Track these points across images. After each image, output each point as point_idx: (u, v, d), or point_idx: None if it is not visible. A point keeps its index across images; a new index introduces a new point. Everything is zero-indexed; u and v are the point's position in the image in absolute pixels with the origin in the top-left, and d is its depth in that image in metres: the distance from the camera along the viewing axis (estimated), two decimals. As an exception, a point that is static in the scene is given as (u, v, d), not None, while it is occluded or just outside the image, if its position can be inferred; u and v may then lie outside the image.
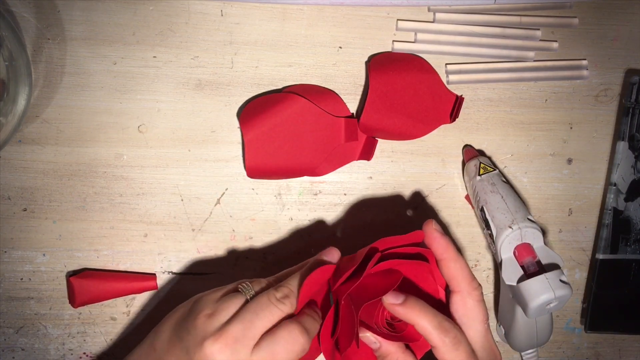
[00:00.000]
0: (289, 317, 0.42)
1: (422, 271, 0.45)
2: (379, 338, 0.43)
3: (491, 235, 0.50)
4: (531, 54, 0.54)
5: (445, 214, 0.55)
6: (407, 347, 0.45)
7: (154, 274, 0.52)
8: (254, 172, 0.51)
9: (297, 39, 0.52)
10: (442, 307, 0.44)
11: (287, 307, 0.42)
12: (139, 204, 0.52)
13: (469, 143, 0.55)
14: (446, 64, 0.53)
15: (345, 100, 0.52)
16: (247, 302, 0.42)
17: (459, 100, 0.52)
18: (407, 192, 0.54)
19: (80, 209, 0.51)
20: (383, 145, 0.54)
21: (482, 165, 0.51)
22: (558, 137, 0.55)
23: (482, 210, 0.50)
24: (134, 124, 0.51)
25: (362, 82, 0.53)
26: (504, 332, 0.53)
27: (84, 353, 0.52)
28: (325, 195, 0.54)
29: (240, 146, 0.52)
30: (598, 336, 0.57)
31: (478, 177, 0.51)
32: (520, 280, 0.47)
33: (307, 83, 0.53)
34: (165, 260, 0.52)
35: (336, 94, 0.52)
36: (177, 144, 0.52)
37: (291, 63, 0.52)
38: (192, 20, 0.51)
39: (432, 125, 0.53)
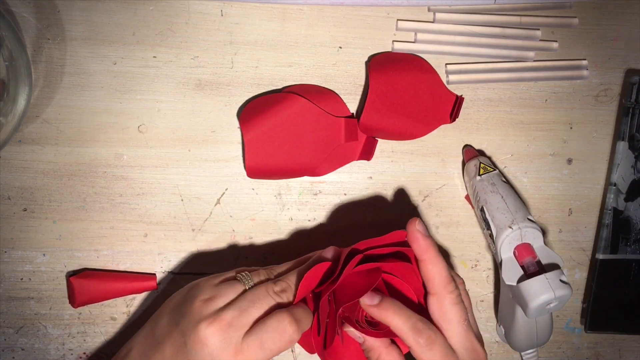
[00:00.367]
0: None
1: (406, 270, 0.45)
2: (363, 333, 0.44)
3: (491, 235, 0.50)
4: (531, 54, 0.54)
5: (445, 214, 0.55)
6: (393, 341, 0.45)
7: (154, 274, 0.52)
8: (254, 172, 0.51)
9: (297, 39, 0.52)
10: (424, 308, 0.45)
11: (284, 301, 0.43)
12: (139, 204, 0.52)
13: (469, 143, 0.55)
14: (446, 64, 0.53)
15: (345, 100, 0.52)
16: (244, 291, 0.43)
17: (459, 100, 0.52)
18: (407, 192, 0.54)
19: (80, 209, 0.51)
20: (383, 145, 0.54)
21: (482, 165, 0.51)
22: (558, 137, 0.55)
23: (482, 210, 0.50)
24: (134, 124, 0.51)
25: (362, 82, 0.53)
26: (504, 332, 0.53)
27: (84, 353, 0.52)
28: (325, 195, 0.54)
29: (240, 146, 0.52)
30: (598, 336, 0.57)
31: (478, 177, 0.51)
32: (520, 280, 0.47)
33: (307, 83, 0.53)
34: (165, 260, 0.52)
35: (336, 94, 0.52)
36: (177, 144, 0.52)
37: (291, 63, 0.52)
38: (192, 20, 0.51)
39: (432, 125, 0.53)
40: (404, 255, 0.45)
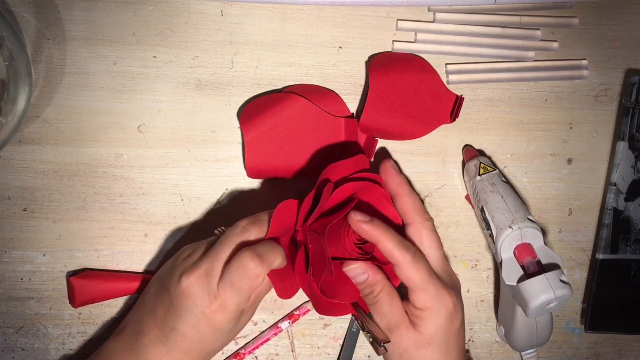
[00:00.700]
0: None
1: (377, 196, 0.48)
2: (367, 268, 0.45)
3: (491, 235, 0.50)
4: (531, 54, 0.54)
5: (445, 214, 0.55)
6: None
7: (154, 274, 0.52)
8: (254, 172, 0.51)
9: (297, 39, 0.52)
10: (399, 230, 0.48)
11: (253, 235, 0.44)
12: (139, 204, 0.52)
13: (469, 143, 0.55)
14: (446, 64, 0.53)
15: (345, 100, 0.52)
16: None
17: (459, 100, 0.52)
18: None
19: (80, 209, 0.51)
20: (383, 146, 0.54)
21: (482, 165, 0.51)
22: (558, 137, 0.55)
23: (482, 210, 0.50)
24: (134, 124, 0.51)
25: (362, 82, 0.53)
26: (504, 332, 0.53)
27: (84, 353, 0.52)
28: (325, 195, 0.54)
29: (240, 146, 0.52)
30: (598, 336, 0.57)
31: (478, 177, 0.51)
32: (520, 280, 0.47)
33: (307, 83, 0.53)
34: (165, 260, 0.52)
35: (336, 94, 0.52)
36: (177, 144, 0.52)
37: (291, 63, 0.52)
38: (192, 20, 0.51)
39: (432, 125, 0.53)
40: (372, 180, 0.48)
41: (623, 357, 0.58)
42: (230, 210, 0.53)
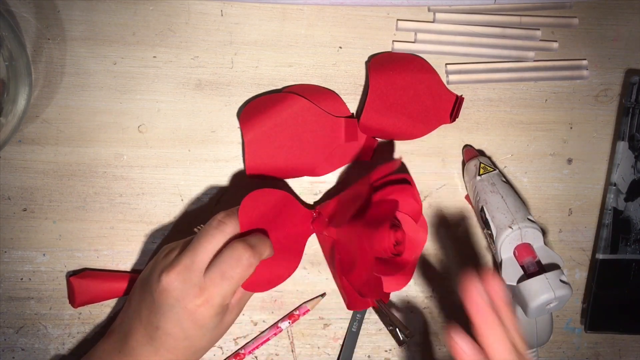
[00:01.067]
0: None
1: (406, 194, 0.49)
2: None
3: (491, 235, 0.50)
4: (531, 54, 0.54)
5: (445, 214, 0.55)
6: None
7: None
8: (254, 172, 0.50)
9: (297, 39, 0.52)
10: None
11: (230, 227, 0.44)
12: (139, 204, 0.52)
13: (469, 143, 0.55)
14: (446, 64, 0.53)
15: (345, 100, 0.52)
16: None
17: (459, 100, 0.52)
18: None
19: (80, 209, 0.51)
20: (383, 145, 0.54)
21: (482, 165, 0.51)
22: (558, 137, 0.55)
23: (482, 210, 0.50)
24: (134, 124, 0.51)
25: (362, 82, 0.53)
26: None
27: (84, 353, 0.52)
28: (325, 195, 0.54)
29: (240, 146, 0.52)
30: (598, 336, 0.57)
31: (478, 177, 0.51)
32: (520, 280, 0.47)
33: (307, 83, 0.53)
34: (165, 260, 0.52)
35: (336, 94, 0.52)
36: (177, 144, 0.52)
37: (291, 63, 0.52)
38: (192, 20, 0.51)
39: (432, 125, 0.53)
40: (404, 180, 0.49)
41: (623, 357, 0.58)
42: (230, 210, 0.53)
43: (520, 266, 0.48)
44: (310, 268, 0.53)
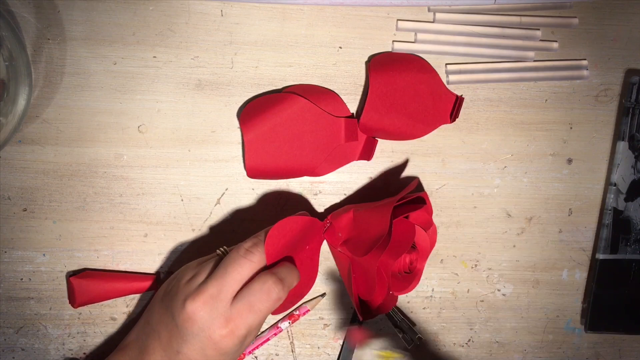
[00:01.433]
0: (264, 269, 0.44)
1: (420, 211, 0.50)
2: None
3: None
4: (531, 54, 0.54)
5: (445, 214, 0.55)
6: None
7: (154, 274, 0.52)
8: (254, 172, 0.51)
9: (297, 39, 0.52)
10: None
11: (257, 257, 0.44)
12: (139, 204, 0.52)
13: (468, 143, 0.54)
14: (446, 64, 0.53)
15: (345, 100, 0.52)
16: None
17: (459, 100, 0.52)
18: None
19: (80, 209, 0.51)
20: (383, 145, 0.54)
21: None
22: (558, 137, 0.55)
23: None
24: (134, 124, 0.51)
25: (362, 82, 0.53)
26: None
27: (84, 353, 0.52)
28: (325, 195, 0.54)
29: (240, 146, 0.52)
30: (598, 336, 0.57)
31: None
32: None
33: (307, 83, 0.53)
34: (165, 260, 0.52)
35: (336, 94, 0.52)
36: (177, 144, 0.52)
37: (291, 63, 0.52)
38: (192, 20, 0.51)
39: (432, 125, 0.53)
40: (420, 199, 0.51)
41: (623, 357, 0.58)
42: (230, 210, 0.53)
43: None
44: (310, 268, 0.53)
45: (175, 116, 0.52)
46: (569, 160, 0.56)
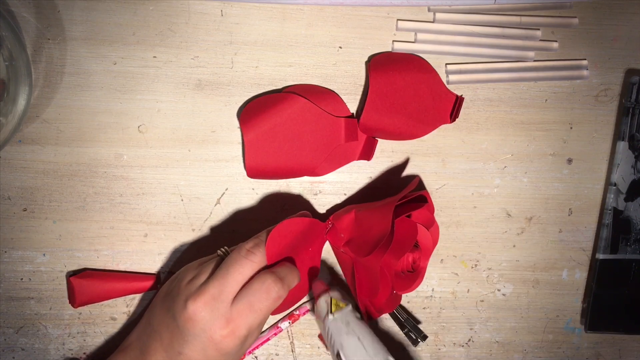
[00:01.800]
0: (265, 269, 0.44)
1: (422, 209, 0.50)
2: None
3: None
4: (531, 54, 0.54)
5: (445, 214, 0.55)
6: None
7: (154, 274, 0.52)
8: (254, 172, 0.51)
9: (297, 39, 0.52)
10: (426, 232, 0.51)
11: (258, 257, 0.44)
12: (139, 204, 0.52)
13: (469, 143, 0.55)
14: (446, 64, 0.53)
15: (345, 100, 0.52)
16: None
17: (459, 100, 0.52)
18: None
19: (80, 209, 0.51)
20: (383, 145, 0.54)
21: (333, 301, 0.47)
22: (558, 137, 0.55)
23: (338, 355, 0.46)
24: (134, 124, 0.51)
25: (362, 82, 0.53)
26: None
27: (84, 353, 0.52)
28: (325, 195, 0.54)
29: (240, 146, 0.52)
30: (598, 336, 0.57)
31: (330, 316, 0.46)
32: None
33: (307, 83, 0.53)
34: (166, 260, 0.52)
35: (336, 94, 0.52)
36: (177, 144, 0.52)
37: (291, 63, 0.52)
38: (192, 20, 0.51)
39: (432, 125, 0.53)
40: (421, 197, 0.51)
41: (623, 357, 0.58)
42: (230, 210, 0.53)
43: None
44: (310, 268, 0.53)
45: (175, 116, 0.52)
46: (569, 160, 0.56)
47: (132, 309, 0.52)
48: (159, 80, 0.51)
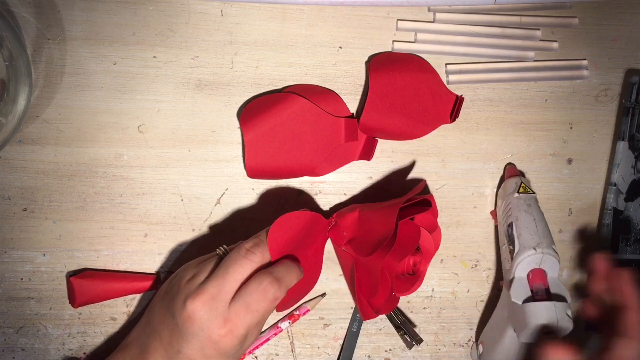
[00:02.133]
0: (265, 267, 0.44)
1: (426, 213, 0.50)
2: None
3: (512, 252, 0.49)
4: (531, 54, 0.54)
5: (445, 214, 0.55)
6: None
7: (154, 274, 0.52)
8: (254, 172, 0.51)
9: (297, 39, 0.52)
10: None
11: (258, 257, 0.44)
12: (139, 204, 0.52)
13: (468, 143, 0.55)
14: (446, 64, 0.53)
15: (345, 100, 0.52)
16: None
17: (459, 100, 0.52)
18: (406, 193, 0.54)
19: (80, 209, 0.51)
20: (383, 145, 0.54)
21: (522, 185, 0.52)
22: (558, 137, 0.55)
23: (510, 225, 0.50)
24: (134, 124, 0.51)
25: (362, 82, 0.53)
26: (481, 352, 0.52)
27: (84, 353, 0.52)
28: (325, 195, 0.54)
29: (240, 146, 0.52)
30: (598, 336, 0.57)
31: (516, 194, 0.51)
32: (527, 301, 0.47)
33: (307, 83, 0.53)
34: (165, 260, 0.52)
35: (336, 94, 0.52)
36: (177, 144, 0.52)
37: (291, 63, 0.52)
38: (192, 20, 0.51)
39: (432, 125, 0.53)
40: (426, 201, 0.51)
41: (623, 357, 0.58)
42: (230, 210, 0.53)
43: (530, 289, 0.48)
44: (310, 268, 0.53)
45: (175, 116, 0.52)
46: (569, 160, 0.56)
47: (132, 309, 0.52)
48: (159, 80, 0.51)
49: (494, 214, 0.54)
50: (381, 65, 0.51)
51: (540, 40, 0.54)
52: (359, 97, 0.53)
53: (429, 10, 0.53)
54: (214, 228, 0.53)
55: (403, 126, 0.52)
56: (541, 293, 0.48)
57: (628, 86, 0.54)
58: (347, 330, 0.54)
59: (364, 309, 0.50)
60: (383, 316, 0.54)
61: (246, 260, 0.43)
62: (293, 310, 0.53)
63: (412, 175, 0.54)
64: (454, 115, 0.52)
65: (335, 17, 0.52)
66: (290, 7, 0.52)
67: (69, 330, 0.52)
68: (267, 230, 0.45)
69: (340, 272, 0.54)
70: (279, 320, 0.53)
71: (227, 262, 0.43)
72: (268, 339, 0.53)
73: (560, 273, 0.54)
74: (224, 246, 0.46)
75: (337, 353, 0.54)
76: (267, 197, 0.53)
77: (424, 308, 0.55)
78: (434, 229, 0.51)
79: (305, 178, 0.53)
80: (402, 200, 0.47)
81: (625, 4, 0.55)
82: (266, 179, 0.52)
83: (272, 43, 0.52)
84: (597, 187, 0.56)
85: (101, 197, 0.51)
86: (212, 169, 0.52)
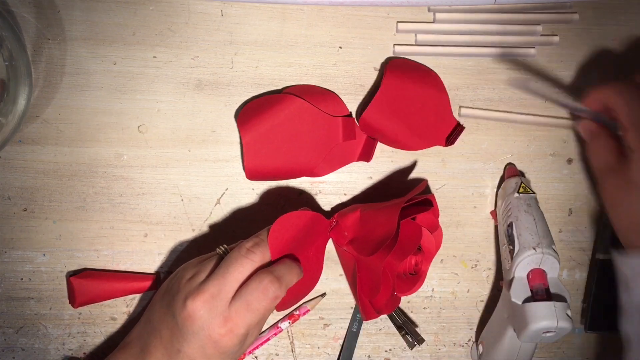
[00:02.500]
0: (265, 267, 0.44)
1: (427, 213, 0.50)
2: None
3: (511, 252, 0.49)
4: (532, 50, 0.54)
5: (445, 214, 0.55)
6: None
7: (154, 274, 0.52)
8: (253, 173, 0.50)
9: (297, 39, 0.52)
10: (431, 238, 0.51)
11: (258, 256, 0.44)
12: (139, 204, 0.52)
13: (468, 143, 0.55)
14: (460, 106, 0.54)
15: (345, 100, 0.52)
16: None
17: (458, 128, 0.52)
18: (407, 193, 0.54)
19: (80, 209, 0.51)
20: (383, 146, 0.54)
21: (522, 185, 0.52)
22: (558, 137, 0.55)
23: (510, 225, 0.51)
24: (134, 124, 0.51)
25: (363, 82, 0.53)
26: (481, 352, 0.53)
27: (84, 353, 0.52)
28: (325, 196, 0.54)
29: (239, 146, 0.52)
30: (598, 336, 0.57)
31: (516, 194, 0.51)
32: (527, 301, 0.47)
33: (307, 83, 0.53)
34: (165, 260, 0.52)
35: (336, 94, 0.52)
36: (177, 144, 0.52)
37: (291, 63, 0.52)
38: (192, 20, 0.51)
39: (428, 143, 0.52)
40: (427, 201, 0.51)
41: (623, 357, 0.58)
42: (230, 210, 0.53)
43: (530, 289, 0.48)
44: (310, 268, 0.53)
45: (175, 116, 0.52)
46: (569, 160, 0.56)
47: (132, 309, 0.52)
48: (159, 80, 0.51)
49: (494, 214, 0.54)
50: (398, 68, 0.51)
51: (541, 35, 0.54)
52: (358, 97, 0.53)
53: (429, 10, 0.53)
54: (214, 228, 0.53)
55: (400, 134, 0.51)
56: (541, 293, 0.48)
57: (628, 86, 0.54)
58: (347, 330, 0.54)
59: (366, 309, 0.50)
60: (383, 316, 0.54)
61: (247, 260, 0.43)
62: (293, 310, 0.53)
63: (412, 175, 0.54)
64: (451, 140, 0.52)
65: (335, 17, 0.52)
66: (290, 7, 0.52)
67: (69, 330, 0.52)
68: (267, 229, 0.45)
69: (341, 272, 0.54)
70: (279, 320, 0.53)
71: (228, 261, 0.43)
72: (268, 339, 0.53)
73: (560, 273, 0.54)
74: (224, 245, 0.46)
75: (337, 353, 0.54)
76: (267, 197, 0.53)
77: (424, 308, 0.55)
78: (435, 228, 0.51)
79: (305, 178, 0.53)
80: (404, 200, 0.47)
81: (625, 4, 0.55)
82: (265, 180, 0.52)
83: (272, 43, 0.52)
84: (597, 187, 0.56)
85: (101, 197, 0.51)
86: (212, 169, 0.52)
